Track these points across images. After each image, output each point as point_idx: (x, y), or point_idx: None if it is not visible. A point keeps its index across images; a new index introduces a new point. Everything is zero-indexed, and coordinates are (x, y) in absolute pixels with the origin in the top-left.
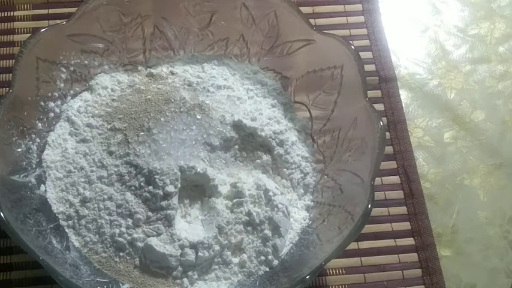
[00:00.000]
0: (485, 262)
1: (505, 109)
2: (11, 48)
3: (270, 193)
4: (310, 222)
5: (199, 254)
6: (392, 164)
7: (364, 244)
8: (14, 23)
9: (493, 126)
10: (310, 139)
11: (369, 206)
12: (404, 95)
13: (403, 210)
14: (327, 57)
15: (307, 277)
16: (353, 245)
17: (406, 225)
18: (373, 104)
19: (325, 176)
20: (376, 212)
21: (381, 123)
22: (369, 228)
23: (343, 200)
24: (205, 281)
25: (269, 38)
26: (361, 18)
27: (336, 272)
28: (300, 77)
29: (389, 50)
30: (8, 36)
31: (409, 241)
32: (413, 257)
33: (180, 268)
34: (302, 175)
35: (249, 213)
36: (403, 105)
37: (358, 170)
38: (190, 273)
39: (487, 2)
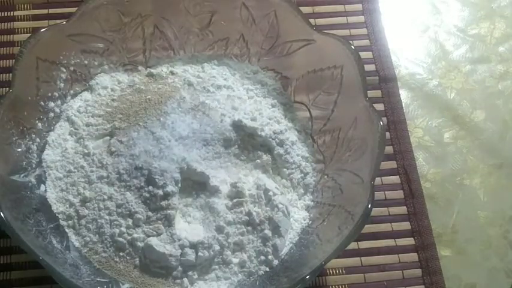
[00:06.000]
0: (485, 262)
1: (505, 109)
2: (11, 48)
3: (270, 193)
4: (310, 222)
5: (199, 254)
6: (392, 164)
7: (364, 244)
8: (14, 23)
9: (493, 126)
10: (310, 139)
11: (369, 206)
12: (404, 95)
13: (403, 210)
14: (327, 57)
15: (307, 277)
16: (353, 245)
17: (406, 225)
18: (373, 104)
19: (325, 176)
20: (376, 212)
21: (381, 123)
22: (368, 228)
23: (343, 200)
24: (205, 281)
25: (269, 38)
26: (361, 18)
27: (336, 272)
28: (300, 77)
29: (389, 50)
30: (8, 36)
31: (409, 241)
32: (413, 257)
33: (180, 268)
34: (302, 175)
35: (249, 213)
36: (403, 105)
37: (358, 170)
38: (190, 273)
39: (487, 2)
